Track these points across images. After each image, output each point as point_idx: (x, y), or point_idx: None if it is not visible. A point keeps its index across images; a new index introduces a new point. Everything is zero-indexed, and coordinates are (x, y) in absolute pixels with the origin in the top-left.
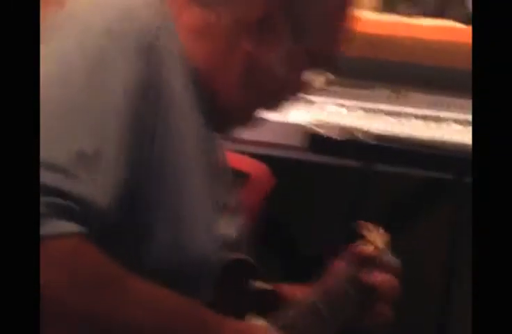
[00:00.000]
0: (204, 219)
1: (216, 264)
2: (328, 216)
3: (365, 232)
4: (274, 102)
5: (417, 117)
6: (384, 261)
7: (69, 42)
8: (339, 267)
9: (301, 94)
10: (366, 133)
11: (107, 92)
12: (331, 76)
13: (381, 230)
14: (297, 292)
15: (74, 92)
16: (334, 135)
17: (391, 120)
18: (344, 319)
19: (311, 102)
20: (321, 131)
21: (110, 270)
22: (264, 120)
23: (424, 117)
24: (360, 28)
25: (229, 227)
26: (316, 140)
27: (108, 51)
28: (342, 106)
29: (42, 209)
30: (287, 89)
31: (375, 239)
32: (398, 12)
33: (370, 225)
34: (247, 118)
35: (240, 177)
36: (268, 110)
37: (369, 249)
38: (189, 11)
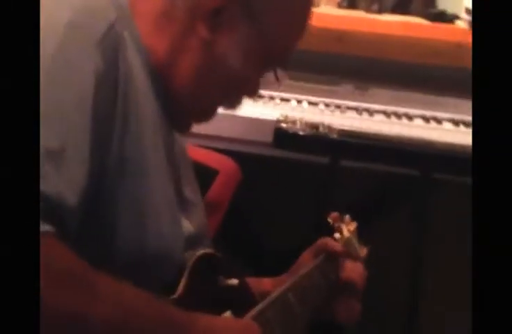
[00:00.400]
0: (168, 215)
1: (181, 258)
2: (293, 211)
3: (332, 221)
4: (232, 100)
5: (381, 112)
6: (350, 251)
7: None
8: (307, 259)
9: (258, 93)
10: (331, 128)
11: (67, 88)
12: (283, 72)
13: (348, 218)
14: (266, 285)
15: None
16: (299, 130)
17: (355, 115)
18: (314, 310)
19: (276, 98)
20: (286, 126)
21: (77, 267)
22: (229, 116)
23: (388, 113)
24: (323, 23)
25: (192, 222)
26: (281, 135)
27: (68, 45)
28: (307, 101)
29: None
30: (244, 86)
31: (342, 227)
32: (360, 8)
33: (337, 214)
34: (205, 113)
35: (208, 172)
36: (226, 108)
37: (335, 243)
38: (144, 2)
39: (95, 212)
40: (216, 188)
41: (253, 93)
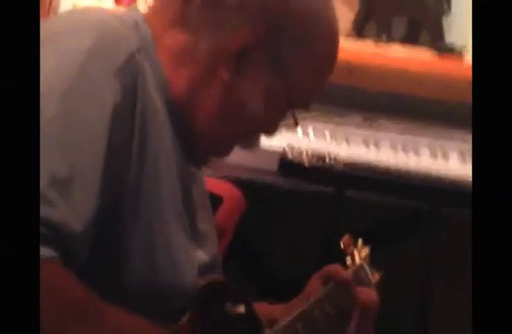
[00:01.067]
0: (181, 246)
1: (193, 288)
2: (298, 240)
3: (344, 245)
4: (249, 140)
5: (388, 145)
6: (361, 277)
7: (46, 64)
8: (316, 286)
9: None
10: (337, 160)
11: (83, 117)
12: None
13: (360, 243)
14: (275, 312)
15: (49, 116)
16: (305, 161)
17: (362, 147)
18: None
19: (283, 128)
20: (292, 156)
21: (81, 296)
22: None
23: (396, 146)
24: None
25: (205, 252)
26: (286, 165)
27: (85, 74)
28: (314, 132)
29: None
30: (263, 128)
31: (354, 252)
32: (369, 37)
33: (349, 238)
34: (222, 151)
35: (213, 200)
36: (244, 148)
37: (343, 271)
38: (171, 34)
39: (106, 242)
40: (221, 215)
41: (272, 133)
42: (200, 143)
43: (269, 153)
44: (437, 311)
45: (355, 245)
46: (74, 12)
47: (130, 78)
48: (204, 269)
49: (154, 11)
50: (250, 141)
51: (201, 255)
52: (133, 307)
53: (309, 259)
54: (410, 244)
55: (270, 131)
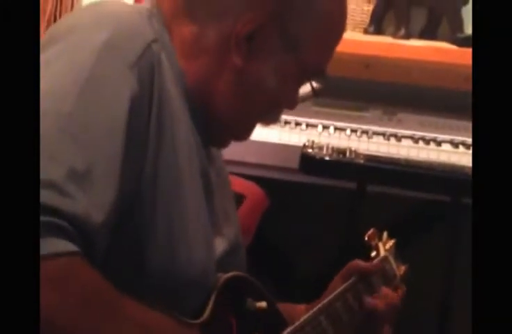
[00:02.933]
0: (200, 238)
1: (212, 281)
2: (321, 236)
3: (369, 239)
4: (271, 116)
5: (409, 138)
6: (386, 270)
7: (63, 57)
8: (340, 283)
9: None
10: (358, 153)
11: (100, 110)
12: (319, 87)
13: (385, 236)
14: (299, 312)
15: (66, 108)
16: (326, 156)
17: (383, 141)
18: (347, 330)
19: (302, 123)
20: (313, 151)
21: (103, 290)
22: (256, 142)
23: (416, 139)
24: (350, 49)
25: (225, 237)
26: (307, 160)
27: (103, 67)
28: (334, 127)
29: (43, 230)
30: (282, 103)
31: (379, 245)
32: (387, 34)
33: (374, 232)
34: (242, 133)
35: (236, 198)
36: (265, 124)
37: (365, 263)
38: (179, 26)
39: (126, 233)
40: (243, 213)
41: (292, 106)
42: (219, 127)
43: (290, 150)
44: (460, 304)
45: (380, 238)
46: (90, 7)
47: (147, 69)
48: (225, 257)
49: (162, 4)
50: (271, 117)
51: (220, 243)
52: (153, 299)
53: (331, 255)
54: (434, 237)
55: (290, 105)
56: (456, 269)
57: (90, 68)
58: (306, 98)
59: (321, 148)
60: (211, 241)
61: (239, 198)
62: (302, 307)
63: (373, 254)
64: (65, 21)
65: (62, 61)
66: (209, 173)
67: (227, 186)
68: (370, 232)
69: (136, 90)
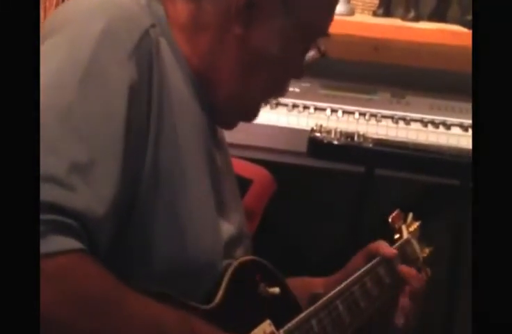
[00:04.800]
0: (207, 223)
1: (220, 266)
2: (329, 220)
3: (393, 221)
4: (280, 87)
5: (418, 121)
6: (408, 253)
7: (61, 50)
8: (359, 263)
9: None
10: (366, 137)
11: (99, 100)
12: (322, 50)
13: (410, 218)
14: (316, 287)
15: (65, 100)
16: (334, 139)
17: (391, 124)
18: (364, 316)
19: (310, 107)
20: (321, 135)
21: (107, 286)
22: (263, 125)
23: (425, 122)
24: (359, 32)
25: (231, 222)
26: (315, 144)
27: (101, 55)
28: (342, 110)
29: (43, 226)
30: (289, 70)
31: (402, 227)
32: (397, 16)
33: (398, 214)
34: (251, 110)
35: (242, 182)
36: (276, 97)
37: (387, 247)
38: (174, 6)
39: (132, 224)
40: (250, 197)
41: (299, 75)
42: (227, 106)
43: (298, 134)
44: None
45: (405, 220)
46: None
47: (145, 57)
48: (233, 242)
49: None
50: (278, 89)
51: (227, 228)
52: (162, 286)
53: (339, 240)
54: (443, 221)
55: (297, 73)
56: (464, 254)
57: (87, 60)
58: (312, 61)
59: (328, 132)
60: (218, 227)
61: (246, 182)
62: (319, 280)
63: (397, 236)
64: (61, 11)
65: (60, 54)
66: (215, 157)
67: (231, 171)
68: (394, 213)
69: (135, 79)
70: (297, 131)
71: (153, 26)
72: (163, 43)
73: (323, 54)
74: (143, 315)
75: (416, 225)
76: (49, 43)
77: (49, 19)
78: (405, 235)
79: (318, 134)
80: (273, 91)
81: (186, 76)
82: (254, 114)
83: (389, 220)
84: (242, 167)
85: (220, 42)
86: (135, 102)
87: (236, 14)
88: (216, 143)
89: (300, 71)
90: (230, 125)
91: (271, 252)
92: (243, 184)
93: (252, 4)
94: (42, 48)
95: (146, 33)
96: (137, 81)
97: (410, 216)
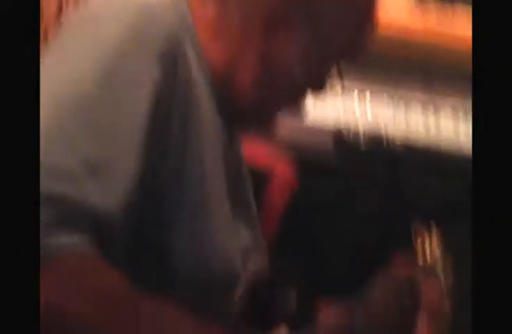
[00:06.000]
0: (226, 229)
1: (241, 274)
2: (355, 220)
3: (415, 230)
4: (297, 98)
5: (449, 110)
6: (431, 265)
7: (85, 46)
8: (380, 283)
9: (323, 90)
10: (394, 139)
11: (121, 101)
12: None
13: (433, 226)
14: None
15: (85, 98)
16: (361, 138)
17: (420, 112)
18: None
19: (337, 102)
20: (347, 133)
21: (117, 285)
22: (288, 121)
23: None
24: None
25: (248, 227)
26: (341, 144)
27: (124, 60)
28: (371, 97)
29: (48, 219)
30: (308, 84)
31: (425, 237)
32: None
33: (420, 223)
34: (266, 117)
35: (264, 177)
36: (292, 107)
37: (408, 264)
38: (202, 8)
39: (151, 228)
40: (269, 193)
41: (320, 88)
42: (245, 113)
43: (324, 132)
44: None
45: (429, 229)
46: None
47: (170, 57)
48: (249, 249)
49: None
50: (298, 100)
51: (244, 234)
52: (181, 294)
53: (364, 241)
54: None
55: (318, 86)
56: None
57: (111, 61)
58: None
59: (356, 129)
60: (237, 230)
61: (268, 177)
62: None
63: (418, 247)
64: (85, 10)
65: (83, 52)
66: (233, 164)
67: (246, 177)
68: (416, 223)
69: (159, 79)
70: (323, 130)
71: (178, 24)
72: (187, 43)
73: (340, 77)
74: (156, 317)
75: (439, 233)
76: (73, 41)
77: (72, 17)
78: (428, 245)
79: (344, 132)
80: (291, 102)
81: (207, 79)
82: (272, 125)
83: (412, 228)
84: (264, 161)
85: (243, 49)
86: (157, 104)
87: (260, 25)
88: (232, 151)
89: (321, 84)
90: (247, 132)
91: (293, 251)
92: (263, 178)
93: (276, 17)
94: (64, 36)
95: (171, 35)
96: (160, 82)
97: (433, 224)
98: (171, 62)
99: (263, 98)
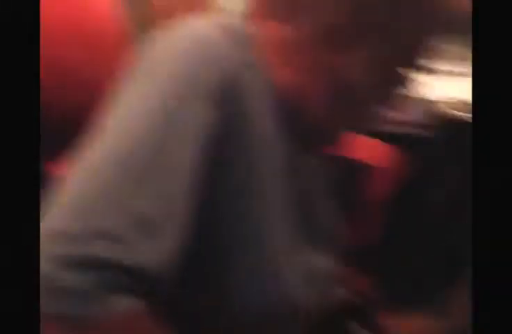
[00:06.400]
0: (290, 261)
1: (309, 309)
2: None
3: None
4: (367, 115)
5: None
6: None
7: (143, 88)
8: None
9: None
10: None
11: (175, 153)
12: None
13: None
14: None
15: (138, 152)
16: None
17: None
18: None
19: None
20: (453, 110)
21: None
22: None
23: None
24: None
25: (324, 255)
26: (447, 119)
27: (182, 103)
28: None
29: (94, 285)
30: (377, 99)
31: None
32: None
33: None
34: (336, 136)
35: (362, 168)
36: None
37: None
38: (265, 27)
39: (204, 271)
40: (370, 183)
41: (390, 103)
42: (315, 133)
43: (426, 106)
44: None
45: None
46: (180, 33)
47: (226, 96)
48: (324, 277)
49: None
50: (367, 115)
51: (322, 260)
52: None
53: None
54: None
55: (384, 100)
56: None
57: (165, 99)
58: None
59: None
60: (303, 264)
61: (366, 168)
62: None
63: None
64: (150, 55)
65: (139, 92)
66: (303, 186)
67: (327, 196)
68: None
69: (212, 120)
70: (429, 103)
71: (244, 63)
72: (247, 75)
73: (404, 87)
74: None
75: None
76: (136, 88)
77: (137, 62)
78: None
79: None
80: (360, 120)
81: (272, 103)
82: (335, 140)
83: None
84: (361, 150)
85: (311, 66)
86: (209, 149)
87: (326, 41)
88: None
89: (389, 99)
90: (313, 151)
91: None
92: (362, 170)
93: (341, 30)
94: (130, 88)
95: (238, 74)
96: (214, 124)
97: None
98: (226, 102)
99: (335, 114)
